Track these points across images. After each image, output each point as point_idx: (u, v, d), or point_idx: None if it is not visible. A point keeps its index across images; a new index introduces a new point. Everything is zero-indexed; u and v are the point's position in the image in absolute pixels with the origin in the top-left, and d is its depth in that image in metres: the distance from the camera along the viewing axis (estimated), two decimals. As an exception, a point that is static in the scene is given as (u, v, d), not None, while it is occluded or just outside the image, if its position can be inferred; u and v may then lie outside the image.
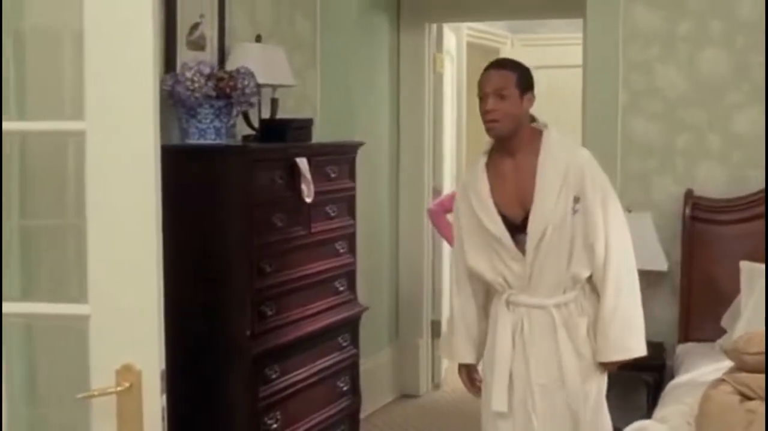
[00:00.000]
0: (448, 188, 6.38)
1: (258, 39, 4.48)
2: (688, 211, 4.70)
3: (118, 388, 1.92)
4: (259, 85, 4.08)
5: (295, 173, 4.04)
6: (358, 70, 5.47)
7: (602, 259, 3.31)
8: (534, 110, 3.40)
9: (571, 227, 3.32)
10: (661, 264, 4.66)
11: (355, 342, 4.56)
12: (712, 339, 4.37)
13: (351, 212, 4.57)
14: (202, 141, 3.92)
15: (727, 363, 3.44)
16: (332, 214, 4.38)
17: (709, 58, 4.82)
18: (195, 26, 4.24)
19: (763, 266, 4.29)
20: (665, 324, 4.74)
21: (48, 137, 2.39)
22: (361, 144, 4.72)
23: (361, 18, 5.47)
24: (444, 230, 5.34)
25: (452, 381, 5.84)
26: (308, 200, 4.09)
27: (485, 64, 3.44)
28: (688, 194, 4.75)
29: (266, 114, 4.44)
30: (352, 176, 4.58)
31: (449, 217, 4.84)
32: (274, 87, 4.46)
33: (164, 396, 2.00)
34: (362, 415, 4.86)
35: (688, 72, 4.85)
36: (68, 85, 2.42)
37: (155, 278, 1.97)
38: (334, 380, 4.39)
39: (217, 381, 3.83)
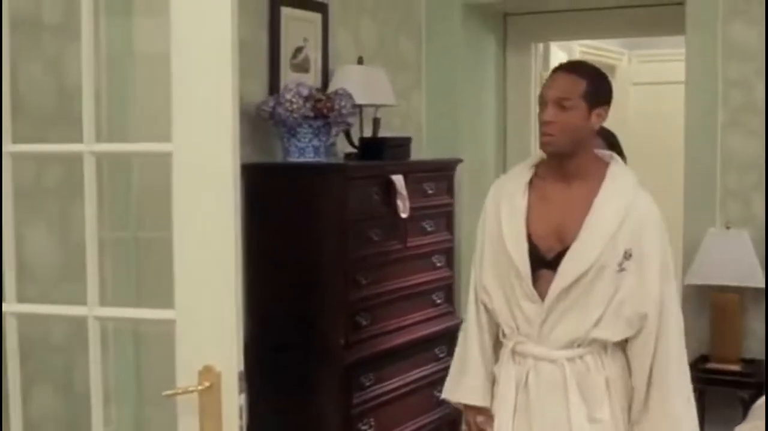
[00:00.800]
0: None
1: (360, 61, 4.64)
2: (786, 227, 4.66)
3: (200, 387, 2.05)
4: (358, 106, 4.24)
5: (390, 189, 4.17)
6: (464, 89, 5.54)
7: (652, 345, 2.72)
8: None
9: (613, 284, 2.69)
10: (758, 281, 4.62)
11: (452, 353, 4.63)
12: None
13: (449, 227, 4.68)
14: (301, 159, 4.06)
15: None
16: (429, 229, 4.50)
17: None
18: (299, 49, 4.41)
19: None
20: (763, 341, 4.68)
21: (155, 157, 2.50)
22: (458, 161, 4.83)
23: (467, 38, 5.54)
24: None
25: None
26: (404, 215, 4.21)
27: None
28: (787, 211, 4.70)
29: (369, 133, 4.61)
30: (450, 192, 4.69)
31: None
32: (376, 107, 4.61)
33: (243, 396, 2.10)
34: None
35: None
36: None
37: (234, 287, 2.08)
38: (431, 390, 4.45)
39: (312, 387, 3.96)
